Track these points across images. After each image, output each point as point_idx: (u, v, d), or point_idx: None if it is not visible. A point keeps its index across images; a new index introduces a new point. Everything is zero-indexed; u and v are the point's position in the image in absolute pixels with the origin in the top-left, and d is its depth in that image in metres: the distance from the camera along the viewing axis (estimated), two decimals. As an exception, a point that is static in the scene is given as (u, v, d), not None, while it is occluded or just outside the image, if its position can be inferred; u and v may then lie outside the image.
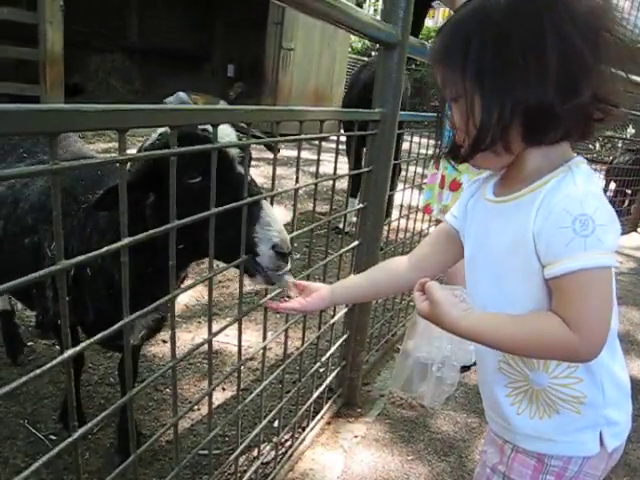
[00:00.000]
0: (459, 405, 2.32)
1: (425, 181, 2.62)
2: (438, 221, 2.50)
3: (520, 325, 0.86)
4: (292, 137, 1.36)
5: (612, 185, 6.74)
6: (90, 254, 0.76)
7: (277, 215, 1.22)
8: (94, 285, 1.46)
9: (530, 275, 0.88)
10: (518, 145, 0.88)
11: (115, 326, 0.82)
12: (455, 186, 2.39)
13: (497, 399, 1.02)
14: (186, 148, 0.95)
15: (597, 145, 11.78)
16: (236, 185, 1.15)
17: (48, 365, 0.69)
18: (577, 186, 0.83)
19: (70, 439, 0.78)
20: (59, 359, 0.72)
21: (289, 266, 1.23)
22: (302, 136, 1.34)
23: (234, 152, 1.21)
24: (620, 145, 11.71)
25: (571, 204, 0.81)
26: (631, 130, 11.75)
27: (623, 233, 6.01)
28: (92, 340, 0.77)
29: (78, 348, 0.75)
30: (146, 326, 1.62)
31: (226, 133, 1.22)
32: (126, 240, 0.80)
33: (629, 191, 6.37)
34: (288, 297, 1.26)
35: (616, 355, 0.97)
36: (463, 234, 1.07)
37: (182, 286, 1.66)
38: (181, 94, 1.16)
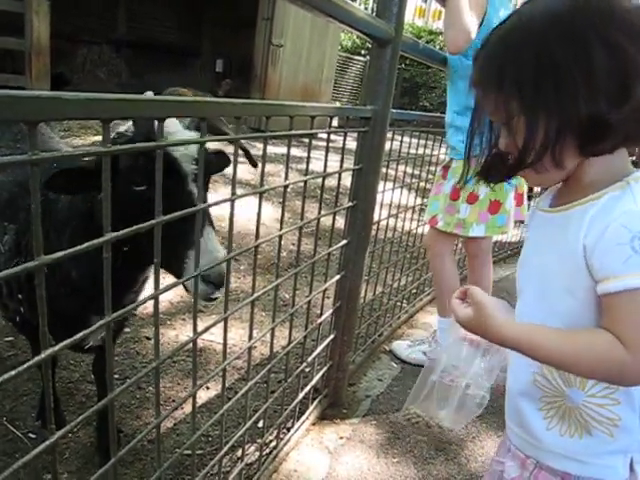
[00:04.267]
0: (445, 406, 2.31)
1: (431, 193, 2.59)
2: (450, 234, 2.47)
3: (571, 339, 0.83)
4: (281, 133, 1.33)
5: None
6: (72, 249, 0.72)
7: (216, 243, 1.16)
8: (48, 283, 1.40)
9: (576, 289, 0.86)
10: (572, 159, 0.86)
11: (94, 326, 0.79)
12: (473, 199, 2.35)
13: (526, 413, 0.99)
14: (175, 141, 0.92)
15: None
16: (182, 205, 1.03)
17: (21, 368, 0.65)
18: (637, 203, 0.81)
19: (47, 442, 0.75)
20: (35, 360, 0.68)
21: (219, 294, 1.20)
22: (292, 132, 1.31)
23: (189, 168, 1.15)
24: None
25: (631, 220, 0.79)
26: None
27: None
28: (65, 343, 0.73)
29: (56, 348, 0.72)
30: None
31: (173, 131, 1.15)
32: (108, 236, 0.76)
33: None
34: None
35: None
36: None
37: (144, 286, 1.61)
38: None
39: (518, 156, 0.87)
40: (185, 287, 1.15)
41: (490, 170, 1.00)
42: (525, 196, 2.59)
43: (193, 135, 1.20)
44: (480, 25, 2.19)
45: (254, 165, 1.36)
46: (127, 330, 2.45)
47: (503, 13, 2.28)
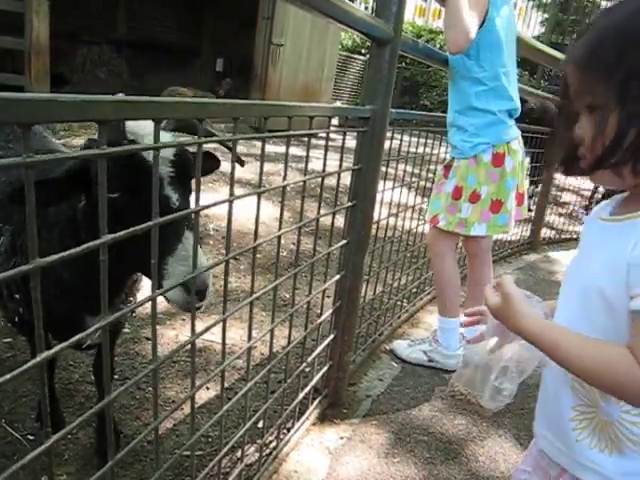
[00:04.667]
0: (446, 406, 2.31)
1: (433, 192, 2.59)
2: (452, 233, 2.47)
3: (593, 348, 0.82)
4: (280, 133, 1.32)
5: (601, 188, 6.79)
6: (67, 252, 0.72)
7: (197, 249, 1.11)
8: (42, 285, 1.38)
9: (615, 303, 0.83)
10: None
11: (91, 329, 0.79)
12: (475, 198, 2.36)
13: (560, 420, 0.97)
14: (170, 143, 0.91)
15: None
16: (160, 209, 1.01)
17: (17, 371, 0.65)
18: None
19: (43, 447, 0.74)
20: (31, 363, 0.68)
21: (205, 302, 1.17)
22: (290, 132, 1.31)
23: (164, 171, 1.12)
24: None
25: None
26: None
27: None
28: (62, 346, 0.73)
29: (52, 351, 0.71)
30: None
31: (147, 132, 1.11)
32: (105, 238, 0.76)
33: (617, 194, 6.41)
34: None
35: None
36: None
37: (136, 287, 1.61)
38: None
39: (601, 153, 0.82)
40: (166, 298, 1.12)
41: (568, 161, 0.94)
42: (526, 195, 2.59)
43: (169, 137, 1.18)
44: (482, 25, 2.18)
45: (241, 164, 1.35)
46: (127, 331, 2.45)
47: (505, 11, 2.27)
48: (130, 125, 1.13)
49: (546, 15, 17.55)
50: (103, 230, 0.77)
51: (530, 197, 5.11)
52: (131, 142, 1.11)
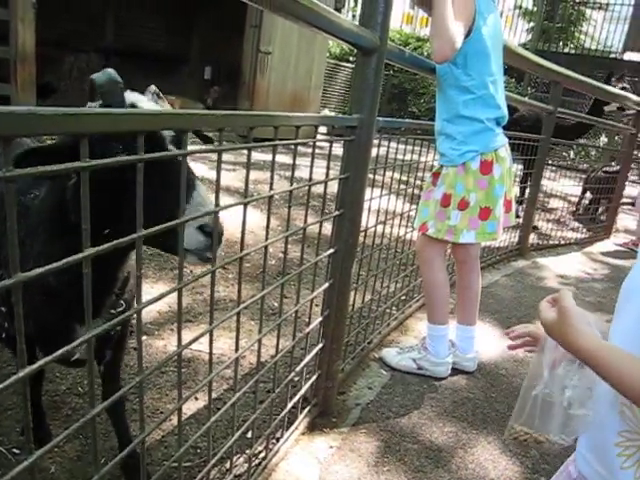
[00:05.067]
0: (436, 414, 2.30)
1: (421, 199, 2.59)
2: (441, 240, 2.47)
3: None
4: (267, 143, 1.32)
5: (588, 194, 6.89)
6: (51, 266, 0.71)
7: (208, 196, 1.15)
8: (27, 294, 1.33)
9: None
10: None
11: (75, 343, 0.78)
12: (464, 205, 2.37)
13: (604, 444, 0.94)
14: (156, 155, 0.90)
15: (572, 153, 11.98)
16: (167, 167, 1.04)
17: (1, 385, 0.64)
18: None
19: (26, 462, 0.73)
20: (13, 379, 0.67)
21: (222, 245, 1.17)
22: (277, 142, 1.31)
23: (165, 132, 1.13)
24: (593, 153, 11.95)
25: None
26: (604, 139, 11.98)
27: (597, 240, 6.10)
28: (46, 360, 0.72)
29: (35, 366, 0.70)
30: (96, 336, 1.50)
31: (137, 100, 1.15)
32: (88, 252, 0.75)
33: (604, 200, 6.49)
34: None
35: None
36: None
37: (127, 288, 1.56)
38: (109, 70, 1.09)
39: None
40: (185, 250, 1.11)
41: None
42: (514, 202, 2.60)
43: (156, 105, 1.21)
44: (469, 34, 2.20)
45: (207, 141, 1.34)
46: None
47: (492, 20, 2.29)
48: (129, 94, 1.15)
49: (532, 23, 17.73)
50: (86, 244, 0.76)
51: (520, 203, 5.16)
52: (132, 106, 1.11)
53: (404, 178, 3.05)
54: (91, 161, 0.73)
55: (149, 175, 0.90)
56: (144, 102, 1.18)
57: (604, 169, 6.64)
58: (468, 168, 2.34)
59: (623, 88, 5.61)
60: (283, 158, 4.66)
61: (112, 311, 1.41)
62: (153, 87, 1.29)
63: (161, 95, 1.30)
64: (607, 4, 17.21)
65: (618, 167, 6.42)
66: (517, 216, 4.72)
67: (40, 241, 1.24)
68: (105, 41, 10.16)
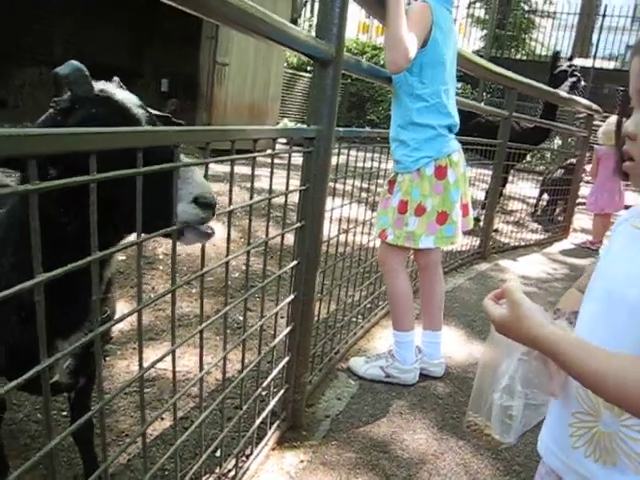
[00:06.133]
0: (406, 422, 2.30)
1: (379, 207, 2.60)
2: (402, 247, 2.48)
3: (610, 361, 0.77)
4: (224, 157, 1.30)
5: (545, 195, 7.05)
6: (20, 286, 0.68)
7: (197, 169, 1.15)
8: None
9: (637, 309, 0.82)
10: None
11: (34, 369, 0.74)
12: (421, 211, 2.39)
13: (559, 424, 0.95)
14: (110, 174, 0.88)
15: (528, 156, 12.25)
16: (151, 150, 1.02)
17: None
18: None
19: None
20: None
21: (215, 216, 1.17)
22: (234, 156, 1.29)
23: (140, 113, 1.15)
24: (548, 155, 12.25)
25: None
26: (558, 142, 12.31)
27: (556, 240, 6.24)
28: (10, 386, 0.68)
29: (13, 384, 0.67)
30: (72, 353, 1.40)
31: (128, 98, 1.17)
32: (40, 278, 0.72)
33: (561, 201, 6.66)
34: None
35: None
36: None
37: (110, 295, 1.49)
38: (72, 61, 1.06)
39: None
40: (182, 227, 1.11)
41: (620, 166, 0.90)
42: (470, 206, 2.64)
43: (130, 94, 1.21)
44: (426, 44, 2.23)
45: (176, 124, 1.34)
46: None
47: (447, 30, 2.33)
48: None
49: (485, 31, 18.17)
50: (37, 269, 0.73)
51: (482, 207, 5.26)
52: (101, 94, 1.12)
53: (365, 186, 3.06)
54: (38, 184, 0.70)
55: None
56: (112, 88, 1.16)
57: (564, 164, 6.81)
58: (423, 174, 2.37)
59: (574, 83, 5.72)
60: (243, 169, 4.63)
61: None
62: (116, 78, 1.27)
63: (124, 87, 1.28)
64: (554, 12, 17.81)
65: (574, 160, 6.57)
66: (477, 219, 4.81)
67: (11, 254, 1.19)
68: (56, 54, 9.96)
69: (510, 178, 5.91)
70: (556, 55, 6.15)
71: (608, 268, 0.95)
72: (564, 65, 5.83)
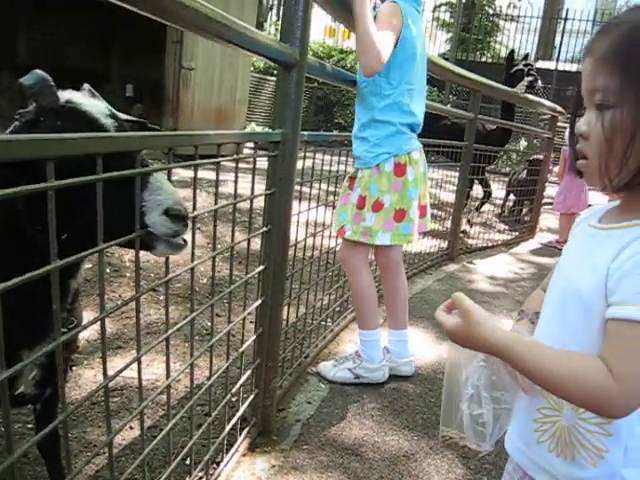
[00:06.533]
0: (377, 424, 2.31)
1: (339, 203, 2.61)
2: (359, 243, 2.49)
3: (561, 359, 0.81)
4: (188, 162, 1.30)
5: (511, 196, 7.18)
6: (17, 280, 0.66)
7: (166, 180, 1.13)
8: None
9: (592, 311, 0.84)
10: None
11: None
12: (378, 207, 2.41)
13: (524, 420, 0.97)
14: (65, 182, 0.86)
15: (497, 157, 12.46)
16: (118, 156, 1.01)
17: None
18: None
19: None
20: None
21: (187, 229, 1.15)
22: (197, 162, 1.29)
23: (108, 122, 1.14)
24: (514, 156, 12.47)
25: None
26: (524, 143, 12.53)
27: (523, 240, 6.34)
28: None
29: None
30: (38, 363, 1.30)
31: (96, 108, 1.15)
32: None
33: (527, 201, 6.77)
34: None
35: None
36: None
37: (77, 305, 1.47)
38: (37, 71, 1.05)
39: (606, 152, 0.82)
40: (144, 243, 1.08)
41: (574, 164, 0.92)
42: (428, 207, 2.66)
43: (98, 103, 1.19)
44: (395, 44, 2.25)
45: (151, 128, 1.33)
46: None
47: (416, 31, 2.35)
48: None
49: (450, 34, 18.43)
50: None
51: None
52: (67, 103, 1.10)
53: (332, 189, 3.07)
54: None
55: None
56: (79, 98, 1.14)
57: (530, 158, 6.93)
58: (382, 170, 2.39)
59: (531, 83, 5.80)
60: (208, 174, 4.60)
61: (63, 329, 1.31)
62: (87, 85, 1.25)
63: (96, 93, 1.26)
64: (518, 16, 18.16)
65: (541, 155, 6.69)
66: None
67: None
68: (17, 59, 9.75)
69: (486, 178, 5.98)
70: (511, 54, 6.26)
71: (565, 267, 0.98)
72: (520, 64, 5.92)
